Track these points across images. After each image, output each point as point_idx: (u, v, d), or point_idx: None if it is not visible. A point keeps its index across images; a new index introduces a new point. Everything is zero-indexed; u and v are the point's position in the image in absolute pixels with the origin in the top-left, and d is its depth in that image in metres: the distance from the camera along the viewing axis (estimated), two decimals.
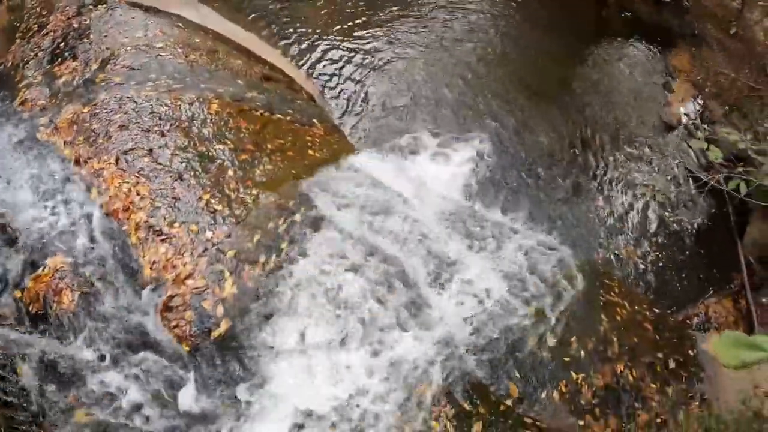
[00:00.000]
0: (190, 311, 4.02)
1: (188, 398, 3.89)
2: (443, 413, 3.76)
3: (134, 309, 4.16)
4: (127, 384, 4.00)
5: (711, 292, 6.11)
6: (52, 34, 5.25)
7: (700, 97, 6.59)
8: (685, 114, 6.54)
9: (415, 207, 4.81)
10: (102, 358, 4.09)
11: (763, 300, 6.27)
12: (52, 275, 4.24)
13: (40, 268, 4.27)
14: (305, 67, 6.07)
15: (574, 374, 4.42)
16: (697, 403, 4.69)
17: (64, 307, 4.17)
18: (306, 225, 4.27)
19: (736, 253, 6.27)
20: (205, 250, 4.17)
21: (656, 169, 6.42)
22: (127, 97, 4.76)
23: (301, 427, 3.66)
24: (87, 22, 5.25)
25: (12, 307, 4.29)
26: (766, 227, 6.29)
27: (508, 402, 4.13)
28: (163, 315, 4.04)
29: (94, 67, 4.95)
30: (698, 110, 6.61)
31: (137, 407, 3.94)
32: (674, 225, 6.30)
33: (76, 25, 5.24)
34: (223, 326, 3.96)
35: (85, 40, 5.14)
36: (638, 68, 6.90)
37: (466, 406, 3.84)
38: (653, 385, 4.64)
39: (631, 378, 4.58)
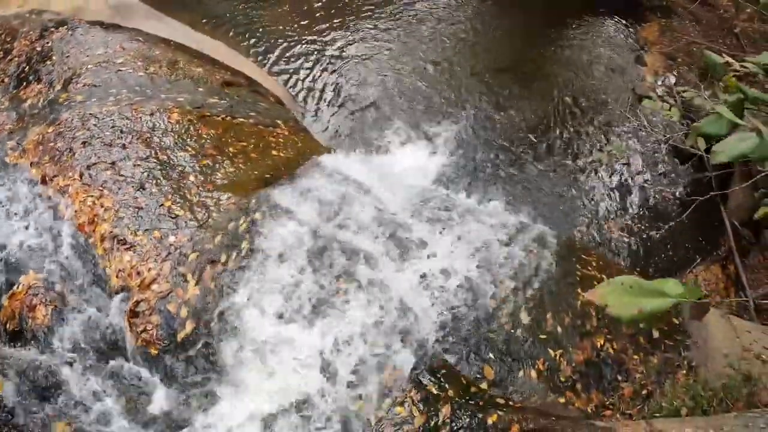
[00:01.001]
0: (155, 315, 4.08)
1: (159, 401, 3.96)
2: (409, 398, 3.74)
3: (104, 318, 4.25)
4: (101, 392, 4.08)
5: (699, 259, 6.02)
6: (17, 59, 5.42)
7: (672, 67, 6.51)
8: (659, 85, 6.47)
9: (381, 197, 4.82)
10: (77, 369, 4.19)
11: (752, 264, 6.17)
12: (26, 292, 4.35)
13: (15, 286, 4.39)
14: (272, 70, 6.13)
15: (551, 351, 4.37)
16: (684, 371, 4.59)
17: (38, 322, 4.28)
18: (266, 222, 4.31)
19: (721, 219, 6.17)
20: (169, 254, 4.24)
21: (634, 141, 6.35)
22: (90, 114, 4.89)
23: (270, 418, 3.68)
24: (49, 44, 5.41)
25: None
26: (748, 191, 6.17)
27: (483, 385, 4.10)
28: (130, 321, 4.11)
29: (58, 87, 5.10)
30: (672, 81, 6.53)
31: (112, 415, 4.02)
32: (656, 196, 6.22)
33: (39, 49, 5.40)
34: (189, 327, 4.02)
35: (48, 62, 5.30)
36: (609, 44, 6.87)
37: (434, 390, 3.81)
38: (636, 357, 4.55)
39: (612, 351, 4.51)
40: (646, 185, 6.21)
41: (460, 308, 4.32)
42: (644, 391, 4.48)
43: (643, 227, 6.08)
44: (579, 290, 4.73)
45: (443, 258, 4.51)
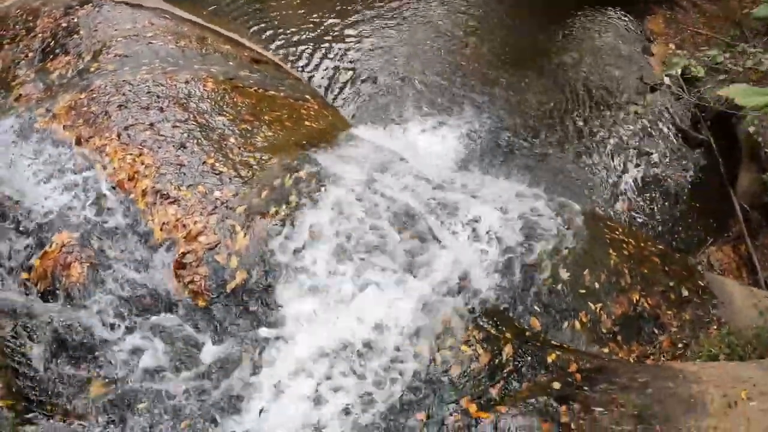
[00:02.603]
0: (203, 266, 4.18)
1: (208, 354, 4.00)
2: (472, 337, 3.91)
3: (147, 271, 4.30)
4: (145, 348, 4.09)
5: (710, 241, 6.44)
6: (41, 35, 5.57)
7: (679, 56, 7.11)
8: (666, 74, 7.02)
9: (415, 166, 5.08)
10: (117, 326, 4.21)
11: (762, 244, 6.62)
12: (60, 250, 4.38)
13: (47, 246, 4.41)
14: (288, 59, 6.41)
15: (591, 305, 4.63)
16: (715, 327, 4.91)
17: (73, 280, 4.31)
18: (312, 179, 4.50)
19: (730, 201, 6.64)
20: (215, 208, 4.38)
21: (644, 127, 6.84)
22: (123, 81, 5.06)
23: (327, 363, 3.78)
24: (75, 20, 5.59)
25: (21, 290, 4.42)
26: (756, 174, 6.68)
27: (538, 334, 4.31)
28: (177, 272, 4.19)
29: (87, 58, 5.26)
30: (679, 70, 7.11)
31: (157, 370, 4.03)
32: (667, 180, 6.68)
33: (65, 24, 5.57)
34: (239, 277, 4.12)
35: (75, 36, 5.47)
36: (616, 35, 7.44)
37: (493, 331, 4.00)
38: (670, 312, 4.85)
39: (647, 306, 4.80)
40: (656, 169, 6.67)
41: (505, 264, 4.55)
42: (681, 344, 4.76)
43: (654, 209, 6.51)
44: (610, 251, 5.05)
45: (484, 221, 4.77)
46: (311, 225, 4.21)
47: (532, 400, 3.55)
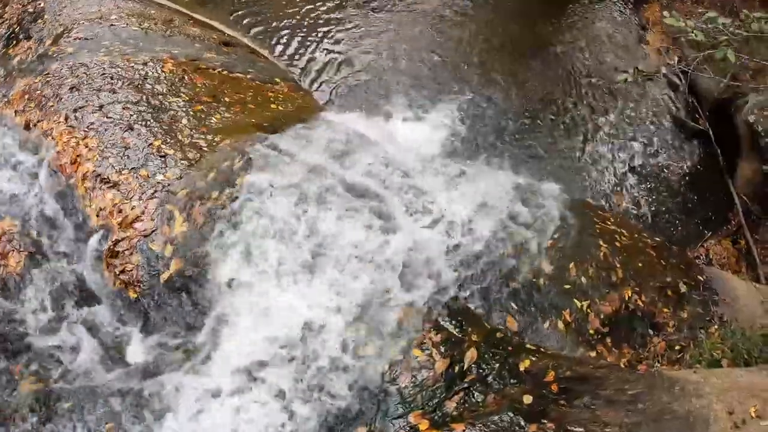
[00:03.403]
0: (136, 255, 3.34)
1: (137, 349, 3.16)
2: (428, 340, 2.98)
3: (80, 261, 3.48)
4: (73, 343, 3.28)
5: (709, 234, 5.37)
6: (7, 22, 4.84)
7: (675, 46, 6.06)
8: (663, 64, 6.00)
9: (388, 150, 4.16)
10: (48, 319, 3.39)
11: (762, 238, 5.54)
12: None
13: None
14: (266, 44, 5.50)
15: (577, 302, 3.65)
16: (716, 326, 3.88)
17: (10, 270, 3.54)
18: (264, 162, 3.62)
19: (729, 193, 5.57)
20: (155, 192, 3.54)
21: (641, 117, 5.80)
22: (80, 63, 4.27)
23: (260, 364, 2.88)
24: (41, 5, 4.84)
25: None
26: (756, 165, 5.60)
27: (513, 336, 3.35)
28: (108, 262, 3.35)
29: (48, 42, 4.49)
30: (676, 59, 6.08)
31: (85, 368, 3.21)
32: (664, 171, 5.62)
33: (31, 10, 4.82)
34: (174, 266, 3.27)
35: (39, 21, 4.71)
36: (612, 24, 6.42)
37: (456, 332, 3.06)
38: (666, 310, 3.84)
39: (641, 303, 3.80)
40: (652, 159, 5.62)
41: (477, 255, 3.60)
42: (677, 346, 3.75)
43: (650, 201, 5.46)
44: (601, 242, 4.05)
45: (456, 207, 3.82)
46: (256, 210, 3.32)
47: (496, 418, 2.59)
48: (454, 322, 3.06)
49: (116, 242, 3.39)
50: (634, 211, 5.39)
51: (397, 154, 4.24)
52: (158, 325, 3.19)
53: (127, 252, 3.35)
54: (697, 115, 6.05)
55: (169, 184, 3.54)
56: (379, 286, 3.03)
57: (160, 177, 3.58)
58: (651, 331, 3.80)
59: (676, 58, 5.97)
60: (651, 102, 5.97)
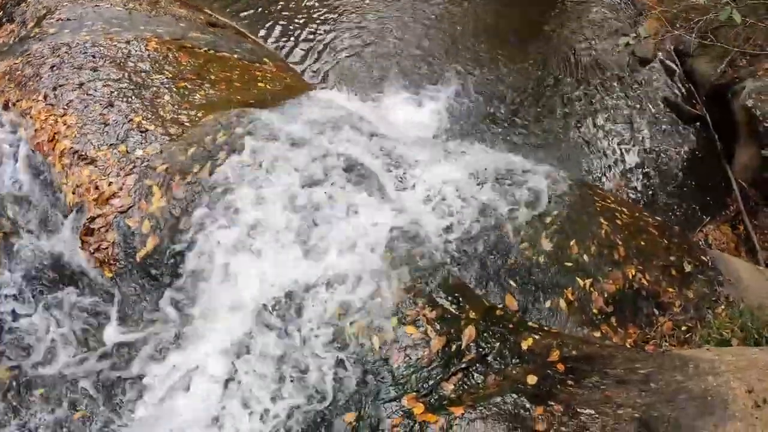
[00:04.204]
0: (112, 232, 2.97)
1: (114, 332, 2.79)
2: (422, 316, 2.61)
3: (56, 240, 3.11)
4: (49, 327, 2.92)
5: (707, 219, 5.02)
6: None
7: (671, 31, 5.75)
8: (658, 48, 5.68)
9: (379, 126, 3.81)
10: (23, 302, 3.02)
11: (761, 223, 5.19)
12: None
13: None
14: (253, 24, 5.14)
15: (579, 280, 3.29)
16: (723, 306, 3.51)
17: None
18: (249, 136, 3.26)
19: (727, 179, 5.22)
20: (134, 168, 3.18)
21: (637, 102, 5.47)
22: (62, 43, 3.91)
23: (242, 341, 2.51)
24: None
25: None
26: (754, 150, 5.25)
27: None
28: (83, 239, 2.99)
29: (31, 24, 4.15)
30: (671, 44, 5.76)
31: (60, 352, 2.86)
32: (661, 156, 5.29)
33: None
34: (150, 243, 2.90)
35: (23, 4, 4.38)
36: (608, 8, 6.09)
37: (452, 309, 2.70)
38: (671, 290, 3.48)
39: (645, 282, 3.44)
40: (648, 145, 5.28)
41: (472, 232, 3.24)
42: (684, 326, 3.38)
43: (647, 186, 5.11)
44: (602, 220, 3.70)
45: (450, 183, 3.47)
46: (238, 184, 2.97)
47: (498, 400, 2.22)
48: (450, 298, 2.69)
49: (92, 219, 3.02)
50: (632, 195, 5.05)
51: (389, 131, 3.90)
52: (135, 304, 2.83)
53: (102, 229, 2.99)
54: (694, 101, 5.71)
55: (148, 160, 3.18)
56: (368, 261, 2.67)
57: (139, 152, 3.23)
58: (656, 311, 3.42)
59: (672, 43, 5.66)
60: (647, 87, 5.64)
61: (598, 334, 3.22)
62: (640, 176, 5.13)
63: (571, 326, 3.18)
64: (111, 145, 3.29)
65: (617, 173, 5.08)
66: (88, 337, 2.86)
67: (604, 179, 4.95)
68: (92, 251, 2.95)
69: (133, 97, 3.51)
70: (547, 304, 3.17)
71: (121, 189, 3.09)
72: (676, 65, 5.75)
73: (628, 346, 3.20)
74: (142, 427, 2.56)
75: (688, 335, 3.43)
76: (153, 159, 3.18)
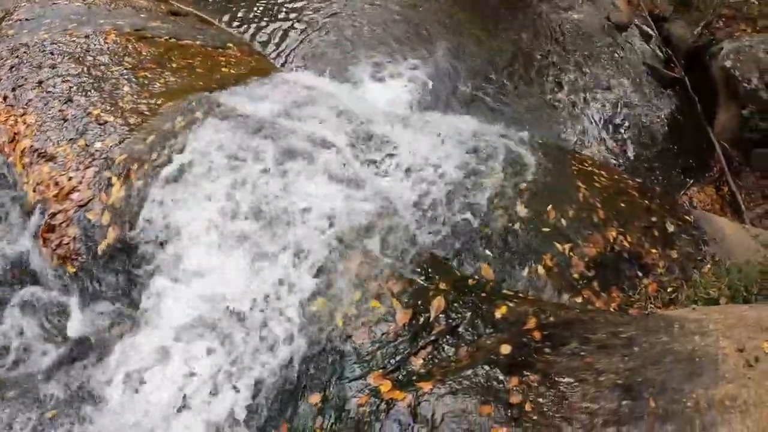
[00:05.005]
0: (73, 226, 2.78)
1: (76, 327, 2.60)
2: (387, 290, 2.40)
3: (19, 240, 2.92)
4: (19, 327, 2.73)
5: (691, 181, 4.79)
6: None
7: None
8: (634, 14, 5.42)
9: (346, 103, 3.57)
10: None
11: (745, 184, 4.95)
12: None
13: None
14: (224, 12, 4.86)
15: (558, 245, 3.06)
16: (709, 265, 3.28)
17: None
18: (209, 120, 3.03)
19: (709, 140, 4.99)
20: (93, 160, 2.97)
21: (615, 67, 5.21)
22: (21, 44, 3.71)
23: (203, 326, 2.32)
24: None
25: None
26: (734, 111, 5.00)
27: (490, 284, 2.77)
28: (44, 237, 2.79)
29: None
30: (647, 9, 5.50)
31: (30, 351, 2.68)
32: (642, 120, 5.04)
33: None
34: (111, 235, 2.70)
35: None
36: None
37: (420, 281, 2.48)
38: (654, 251, 3.25)
39: (627, 244, 3.21)
40: (628, 110, 5.02)
41: (444, 202, 3.02)
42: (670, 287, 3.16)
43: (629, 151, 4.87)
44: (579, 183, 3.47)
45: (419, 154, 3.23)
46: (196, 168, 2.76)
47: (469, 372, 2.01)
48: (418, 270, 2.48)
49: (52, 215, 2.83)
50: (614, 161, 4.81)
51: (359, 107, 3.67)
52: (97, 297, 2.65)
53: (63, 225, 2.80)
54: (672, 65, 5.47)
55: (107, 151, 2.97)
56: (331, 235, 2.47)
57: (98, 145, 3.02)
58: (640, 273, 3.19)
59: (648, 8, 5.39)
60: (625, 53, 5.37)
61: (580, 300, 3.00)
62: (621, 142, 4.88)
63: (552, 293, 2.96)
64: (70, 140, 3.08)
65: (598, 140, 4.83)
66: (55, 332, 2.69)
67: (584, 146, 4.71)
68: (54, 248, 2.76)
69: (92, 91, 3.30)
70: (525, 271, 2.95)
71: (80, 183, 2.89)
72: (653, 30, 5.50)
73: (612, 310, 2.99)
74: (112, 416, 2.39)
75: (674, 296, 3.22)
76: (112, 150, 2.96)
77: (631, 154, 4.85)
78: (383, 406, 1.96)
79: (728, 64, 4.95)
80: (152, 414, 2.27)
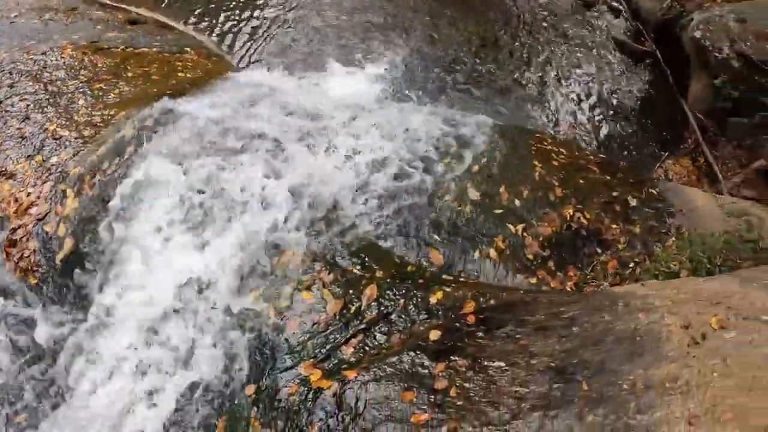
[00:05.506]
0: (33, 240, 2.86)
1: (41, 334, 2.69)
2: (318, 281, 2.41)
3: None
4: None
5: (666, 155, 4.67)
6: None
7: None
8: None
9: (304, 99, 3.58)
10: None
11: (721, 154, 4.82)
12: None
13: None
14: (185, 15, 4.81)
15: (511, 226, 3.04)
16: (673, 238, 3.21)
17: None
18: (159, 126, 3.09)
19: (683, 112, 4.85)
20: (50, 175, 3.04)
21: (584, 45, 5.08)
22: None
23: (151, 326, 2.39)
24: None
25: None
26: (706, 81, 4.84)
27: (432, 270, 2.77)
28: (7, 252, 2.89)
29: None
30: None
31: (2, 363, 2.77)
32: (614, 96, 4.90)
33: None
34: (68, 245, 2.78)
35: None
36: None
37: (355, 270, 2.49)
38: (615, 226, 3.19)
39: (584, 221, 3.17)
40: (599, 86, 4.89)
41: (390, 189, 2.99)
42: (632, 263, 3.11)
43: (601, 128, 4.75)
44: (536, 162, 3.43)
45: (373, 142, 3.22)
46: (145, 174, 2.82)
47: (394, 359, 2.02)
48: (354, 260, 2.49)
49: (13, 231, 2.92)
50: (586, 139, 4.72)
51: (316, 102, 3.66)
52: (58, 304, 2.74)
53: (24, 239, 2.88)
54: (642, 38, 5.31)
55: (63, 165, 3.04)
56: (264, 228, 2.51)
57: (54, 159, 3.09)
58: (599, 250, 3.16)
59: None
60: (593, 29, 5.24)
61: (534, 280, 2.97)
62: (593, 119, 4.76)
63: (503, 275, 2.95)
64: (28, 156, 3.16)
65: (569, 118, 4.74)
66: (22, 341, 2.78)
67: (556, 125, 4.63)
68: (16, 261, 2.85)
69: (49, 107, 3.37)
70: (476, 254, 2.94)
71: (38, 198, 2.96)
72: (621, 4, 5.35)
73: (562, 290, 2.95)
74: (73, 421, 2.49)
75: (634, 272, 3.17)
76: (67, 164, 3.04)
77: (604, 130, 4.73)
78: (311, 395, 1.98)
79: (698, 34, 4.80)
80: (107, 414, 2.36)
